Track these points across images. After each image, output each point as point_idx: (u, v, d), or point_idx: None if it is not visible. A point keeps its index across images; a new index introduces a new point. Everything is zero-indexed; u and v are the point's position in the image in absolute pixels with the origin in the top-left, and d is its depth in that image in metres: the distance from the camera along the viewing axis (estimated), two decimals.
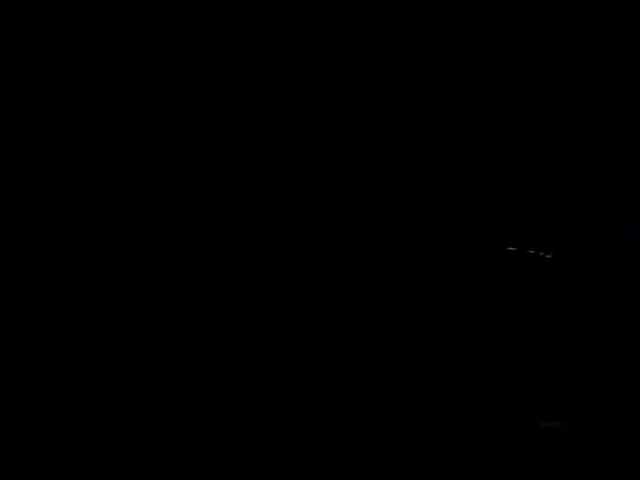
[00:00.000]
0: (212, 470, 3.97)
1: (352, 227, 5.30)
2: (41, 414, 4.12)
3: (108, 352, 4.58)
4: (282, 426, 4.41)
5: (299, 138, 5.27)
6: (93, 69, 4.63)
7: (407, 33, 5.16)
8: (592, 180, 5.33)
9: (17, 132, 4.67)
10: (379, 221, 5.19)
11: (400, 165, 5.29)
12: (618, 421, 4.56)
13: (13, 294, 4.54)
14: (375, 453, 4.42)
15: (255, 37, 4.93)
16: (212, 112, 5.10)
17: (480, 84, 5.22)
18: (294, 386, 4.71)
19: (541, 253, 5.34)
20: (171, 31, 4.76)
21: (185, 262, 4.92)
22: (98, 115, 4.80)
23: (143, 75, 4.80)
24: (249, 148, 5.21)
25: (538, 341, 5.09)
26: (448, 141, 5.30)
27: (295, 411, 4.48)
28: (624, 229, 5.12)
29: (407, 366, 5.03)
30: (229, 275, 5.00)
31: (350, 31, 5.12)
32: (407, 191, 5.17)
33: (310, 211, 5.26)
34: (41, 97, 4.68)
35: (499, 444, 4.32)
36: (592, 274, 5.19)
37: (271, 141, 5.22)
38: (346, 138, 5.22)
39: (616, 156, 5.24)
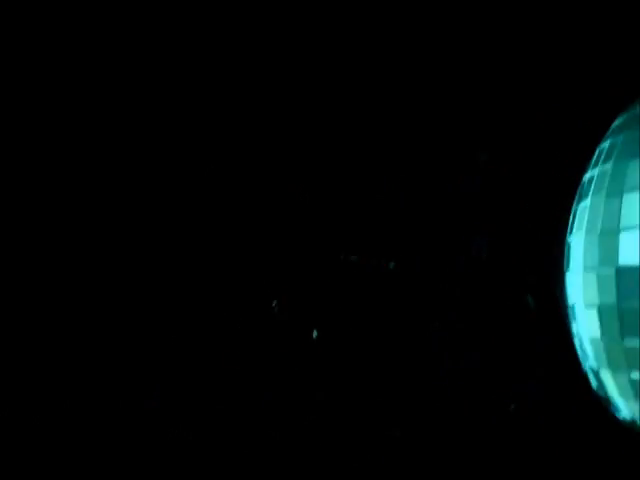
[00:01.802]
0: (212, 470, 4.02)
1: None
2: (41, 414, 4.12)
3: (108, 352, 4.59)
4: (281, 425, 4.47)
5: None
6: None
7: None
8: (437, 191, 5.29)
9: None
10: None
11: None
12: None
13: (13, 294, 4.52)
14: None
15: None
16: None
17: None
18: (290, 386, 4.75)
19: (383, 262, 5.26)
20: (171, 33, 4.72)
21: (183, 266, 4.92)
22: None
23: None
24: None
25: (380, 354, 5.01)
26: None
27: (292, 410, 4.53)
28: (470, 242, 5.11)
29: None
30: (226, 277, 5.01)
31: None
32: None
33: None
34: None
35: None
36: (434, 286, 5.18)
37: None
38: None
39: (461, 169, 5.21)
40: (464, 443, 4.80)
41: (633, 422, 4.42)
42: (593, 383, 4.69)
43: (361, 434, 4.66)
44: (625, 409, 4.39)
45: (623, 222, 4.27)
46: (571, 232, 4.82)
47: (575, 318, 4.75)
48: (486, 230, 5.43)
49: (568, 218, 4.90)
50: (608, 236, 4.37)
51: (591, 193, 4.63)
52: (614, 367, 4.25)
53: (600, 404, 4.76)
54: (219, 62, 5.08)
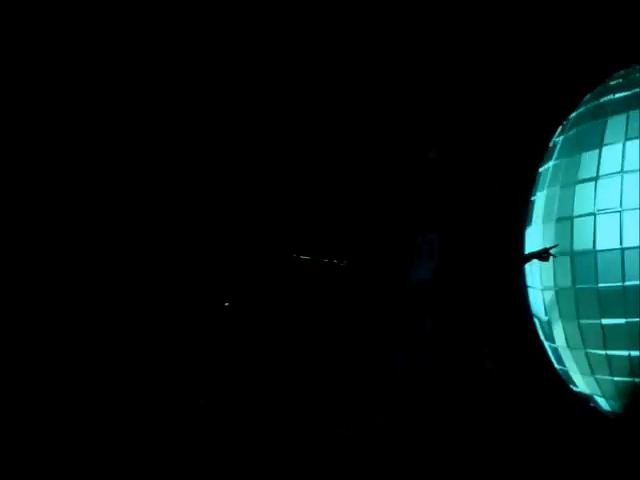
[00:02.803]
0: (212, 470, 3.90)
1: None
2: (41, 414, 3.89)
3: (108, 353, 4.40)
4: (281, 425, 4.42)
5: None
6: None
7: None
8: (387, 195, 5.61)
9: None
10: None
11: None
12: None
13: (14, 296, 4.26)
14: None
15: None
16: None
17: None
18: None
19: (335, 260, 5.51)
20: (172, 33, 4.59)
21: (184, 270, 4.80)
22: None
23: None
24: None
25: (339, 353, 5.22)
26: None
27: (291, 410, 4.50)
28: (418, 241, 5.39)
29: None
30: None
31: None
32: None
33: None
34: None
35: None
36: (386, 282, 5.48)
37: None
38: None
39: (411, 172, 5.54)
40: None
41: (588, 396, 4.76)
42: (554, 359, 5.00)
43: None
44: (582, 384, 4.73)
45: (577, 210, 4.62)
46: (530, 223, 5.14)
47: (533, 300, 5.10)
48: (437, 230, 5.60)
49: (523, 213, 5.20)
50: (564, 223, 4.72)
51: (546, 185, 4.96)
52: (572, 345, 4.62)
53: (559, 380, 5.06)
54: (218, 62, 5.04)
